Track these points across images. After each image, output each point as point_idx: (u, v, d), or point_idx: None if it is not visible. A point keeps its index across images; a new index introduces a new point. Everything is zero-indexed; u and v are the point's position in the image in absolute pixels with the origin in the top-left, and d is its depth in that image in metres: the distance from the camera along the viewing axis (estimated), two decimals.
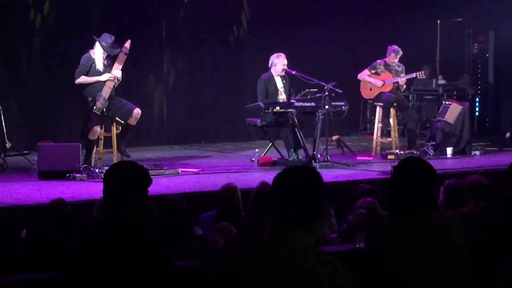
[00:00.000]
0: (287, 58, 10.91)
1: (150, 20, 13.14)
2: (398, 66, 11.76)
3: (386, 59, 11.75)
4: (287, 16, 14.65)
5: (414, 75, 11.84)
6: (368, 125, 14.75)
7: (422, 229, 3.50)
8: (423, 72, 11.95)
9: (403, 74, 11.70)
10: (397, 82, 11.58)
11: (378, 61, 11.80)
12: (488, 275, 3.86)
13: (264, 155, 10.70)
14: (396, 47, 11.67)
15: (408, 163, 3.64)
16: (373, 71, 11.75)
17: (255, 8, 14.33)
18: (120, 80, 9.88)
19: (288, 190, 3.15)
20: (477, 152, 11.54)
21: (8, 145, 10.44)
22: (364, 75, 11.79)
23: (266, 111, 10.29)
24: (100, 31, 9.95)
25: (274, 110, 10.24)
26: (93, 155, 9.80)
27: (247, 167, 10.33)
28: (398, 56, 11.69)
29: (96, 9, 12.58)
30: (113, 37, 9.72)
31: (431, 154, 11.20)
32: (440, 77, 15.06)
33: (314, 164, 9.94)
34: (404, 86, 11.86)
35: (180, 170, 9.77)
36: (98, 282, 3.39)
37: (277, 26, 14.56)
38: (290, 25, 14.63)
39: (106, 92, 9.66)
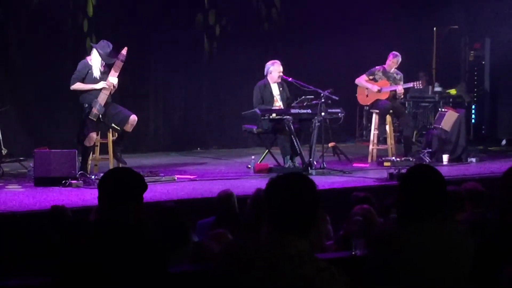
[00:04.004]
0: (284, 65, 10.93)
1: (146, 27, 13.14)
2: (397, 74, 11.76)
3: (385, 66, 11.76)
4: (284, 23, 14.66)
5: (411, 84, 11.89)
6: (364, 132, 14.75)
7: (429, 234, 3.53)
8: (420, 82, 11.98)
9: (402, 82, 11.72)
10: (394, 91, 11.60)
11: (377, 67, 11.81)
12: (485, 281, 3.86)
13: (260, 162, 10.71)
14: (398, 53, 11.67)
15: (419, 170, 3.70)
16: (371, 77, 11.77)
17: (252, 16, 14.32)
18: (116, 87, 9.88)
19: (280, 197, 3.16)
20: (473, 159, 11.55)
21: (4, 151, 10.43)
22: (362, 80, 11.81)
23: (263, 118, 10.29)
24: (97, 37, 9.94)
25: (271, 117, 10.24)
26: (89, 162, 9.80)
27: (243, 174, 10.34)
28: (398, 63, 11.70)
29: (93, 16, 12.58)
30: (110, 45, 9.72)
31: (427, 161, 11.19)
32: (436, 84, 15.08)
33: (310, 171, 9.94)
34: (402, 96, 11.90)
35: (176, 176, 9.77)
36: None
37: (273, 34, 14.58)
38: (286, 32, 14.66)
39: (102, 98, 9.67)
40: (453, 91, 14.80)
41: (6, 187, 9.20)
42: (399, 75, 11.78)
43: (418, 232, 3.55)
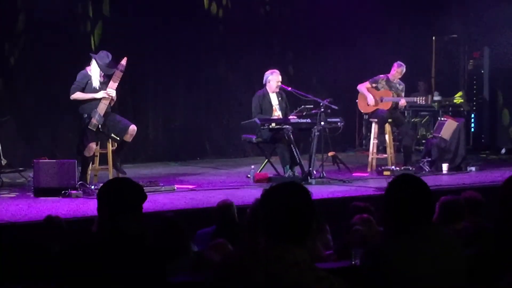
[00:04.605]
0: (282, 74, 10.93)
1: (146, 37, 13.15)
2: (399, 84, 11.75)
3: (389, 75, 11.74)
4: (282, 33, 14.69)
5: (414, 99, 11.92)
6: (364, 141, 14.75)
7: (419, 244, 3.52)
8: (424, 99, 11.99)
9: (403, 93, 11.72)
10: (396, 102, 11.61)
11: (381, 76, 11.79)
12: None
13: (259, 172, 10.70)
14: (402, 63, 11.67)
15: (401, 180, 3.68)
16: (374, 85, 11.74)
17: (251, 27, 14.34)
18: (115, 99, 9.87)
19: (274, 207, 3.16)
20: (473, 168, 11.56)
21: (3, 162, 10.42)
22: (363, 88, 11.77)
23: (262, 127, 10.29)
24: (97, 48, 9.93)
25: (270, 126, 10.24)
26: (89, 172, 9.79)
27: (243, 183, 10.33)
28: (403, 73, 11.69)
29: (93, 27, 12.61)
30: (110, 56, 9.71)
31: (427, 170, 11.20)
32: (435, 93, 15.08)
33: (310, 180, 9.95)
34: (403, 108, 11.94)
35: (176, 186, 9.77)
36: None
37: (272, 44, 14.60)
38: (285, 42, 14.68)
39: (101, 108, 9.66)
40: (459, 94, 14.80)
41: (5, 197, 9.19)
42: (402, 86, 11.78)
43: (407, 243, 3.53)
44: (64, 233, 5.87)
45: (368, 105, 11.77)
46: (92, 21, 12.58)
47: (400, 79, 11.79)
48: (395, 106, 11.70)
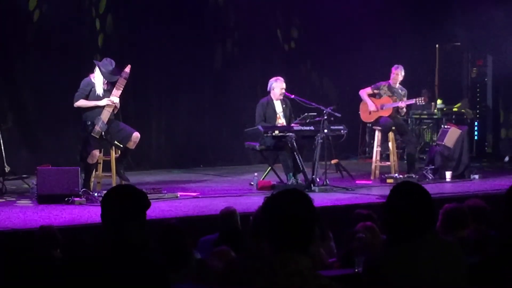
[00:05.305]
0: (287, 81, 10.94)
1: (149, 45, 13.16)
2: (401, 90, 11.72)
3: (390, 81, 11.71)
4: (287, 41, 14.71)
5: (413, 101, 11.84)
6: (367, 149, 14.73)
7: (419, 252, 3.52)
8: (422, 99, 11.95)
9: (405, 98, 11.70)
10: (397, 107, 11.58)
11: (382, 82, 11.75)
12: None
13: (263, 179, 10.70)
14: (399, 65, 11.63)
15: (402, 188, 3.68)
16: (376, 91, 11.70)
17: (250, 34, 14.35)
18: (118, 107, 9.88)
19: (276, 215, 3.16)
20: (476, 176, 11.54)
21: (7, 169, 10.43)
22: (364, 94, 11.72)
23: (265, 135, 10.29)
24: (100, 55, 9.94)
25: (273, 134, 10.24)
26: (92, 179, 9.79)
27: (246, 191, 10.33)
28: (402, 75, 11.63)
29: (97, 34, 12.64)
30: (113, 63, 9.72)
31: (430, 178, 11.19)
32: (438, 101, 15.08)
33: (313, 188, 9.94)
34: (405, 110, 11.86)
35: (179, 194, 9.76)
36: None
37: (277, 51, 14.61)
38: (290, 49, 14.69)
39: (105, 116, 9.67)
40: (457, 105, 14.81)
41: (8, 204, 9.19)
42: (404, 91, 11.74)
43: (408, 250, 3.52)
44: (59, 242, 5.87)
45: (369, 111, 11.74)
46: (98, 29, 12.61)
47: (402, 84, 11.76)
48: (397, 109, 11.67)
